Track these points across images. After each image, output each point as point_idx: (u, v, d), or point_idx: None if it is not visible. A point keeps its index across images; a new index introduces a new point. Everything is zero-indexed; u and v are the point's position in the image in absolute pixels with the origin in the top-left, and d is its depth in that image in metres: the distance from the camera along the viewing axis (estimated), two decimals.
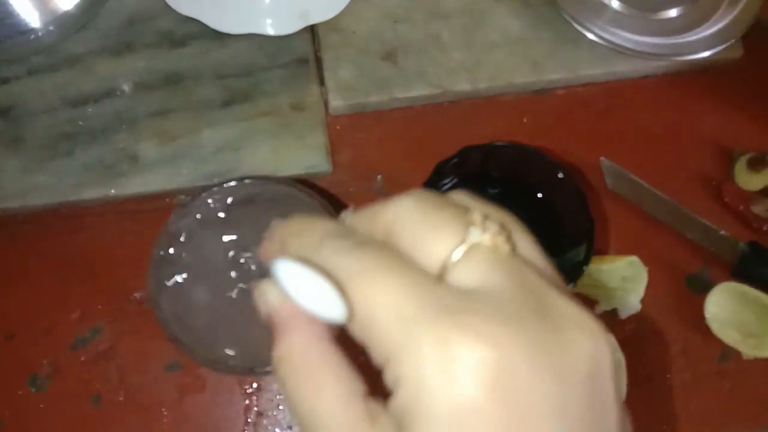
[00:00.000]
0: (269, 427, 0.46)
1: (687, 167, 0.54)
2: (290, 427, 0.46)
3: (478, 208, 0.20)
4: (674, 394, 0.49)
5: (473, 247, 0.18)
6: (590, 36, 0.54)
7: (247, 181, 0.44)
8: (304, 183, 0.48)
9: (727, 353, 0.49)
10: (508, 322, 0.17)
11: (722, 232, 0.50)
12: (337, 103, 0.52)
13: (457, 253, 0.18)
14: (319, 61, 0.53)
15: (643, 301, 0.48)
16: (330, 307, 0.18)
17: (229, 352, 0.41)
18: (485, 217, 0.19)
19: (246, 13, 0.52)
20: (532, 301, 0.18)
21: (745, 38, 0.55)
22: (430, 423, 0.16)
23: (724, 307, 0.48)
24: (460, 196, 0.21)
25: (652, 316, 0.50)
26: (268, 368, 0.41)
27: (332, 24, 0.54)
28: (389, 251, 0.19)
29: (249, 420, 0.46)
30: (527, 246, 0.20)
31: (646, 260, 0.48)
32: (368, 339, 0.18)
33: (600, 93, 0.55)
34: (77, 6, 0.52)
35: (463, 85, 0.53)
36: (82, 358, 0.47)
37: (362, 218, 0.21)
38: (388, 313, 0.18)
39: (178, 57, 0.52)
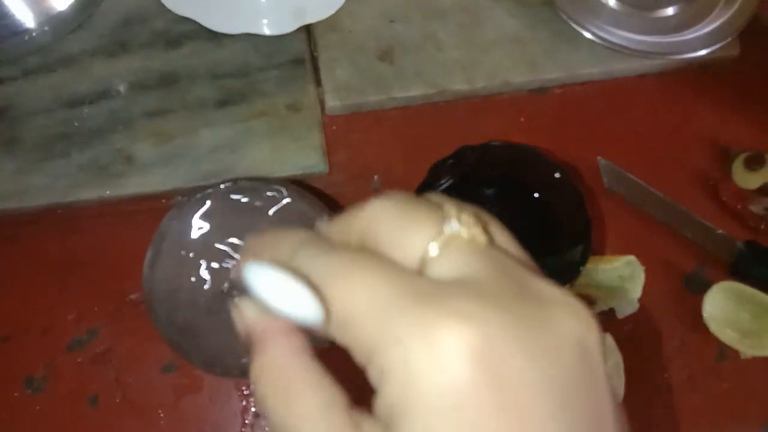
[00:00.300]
0: (266, 429, 0.46)
1: (684, 166, 0.54)
2: None
3: (452, 203, 0.20)
4: (672, 393, 0.49)
5: (451, 240, 0.18)
6: (587, 35, 0.54)
7: (242, 182, 0.44)
8: (300, 184, 0.47)
9: (725, 352, 0.49)
10: (491, 302, 0.17)
11: (719, 231, 0.50)
12: (333, 103, 0.52)
13: (435, 247, 0.18)
14: (315, 60, 0.53)
15: (640, 300, 0.48)
16: (305, 309, 0.17)
17: (226, 354, 0.41)
18: (460, 210, 0.19)
19: (241, 13, 0.52)
20: (514, 285, 0.18)
21: (741, 36, 0.55)
22: (421, 412, 0.16)
23: (722, 306, 0.48)
24: (434, 196, 0.21)
25: (650, 315, 0.50)
26: None
27: (328, 23, 0.54)
28: (365, 252, 0.19)
29: (246, 421, 0.46)
30: (504, 238, 0.20)
31: (644, 260, 0.48)
32: (348, 339, 0.18)
33: (597, 92, 0.55)
34: (72, 6, 0.52)
35: (460, 85, 0.53)
36: (79, 360, 0.46)
37: (337, 225, 0.20)
38: (366, 307, 0.17)
39: (173, 57, 0.52)
